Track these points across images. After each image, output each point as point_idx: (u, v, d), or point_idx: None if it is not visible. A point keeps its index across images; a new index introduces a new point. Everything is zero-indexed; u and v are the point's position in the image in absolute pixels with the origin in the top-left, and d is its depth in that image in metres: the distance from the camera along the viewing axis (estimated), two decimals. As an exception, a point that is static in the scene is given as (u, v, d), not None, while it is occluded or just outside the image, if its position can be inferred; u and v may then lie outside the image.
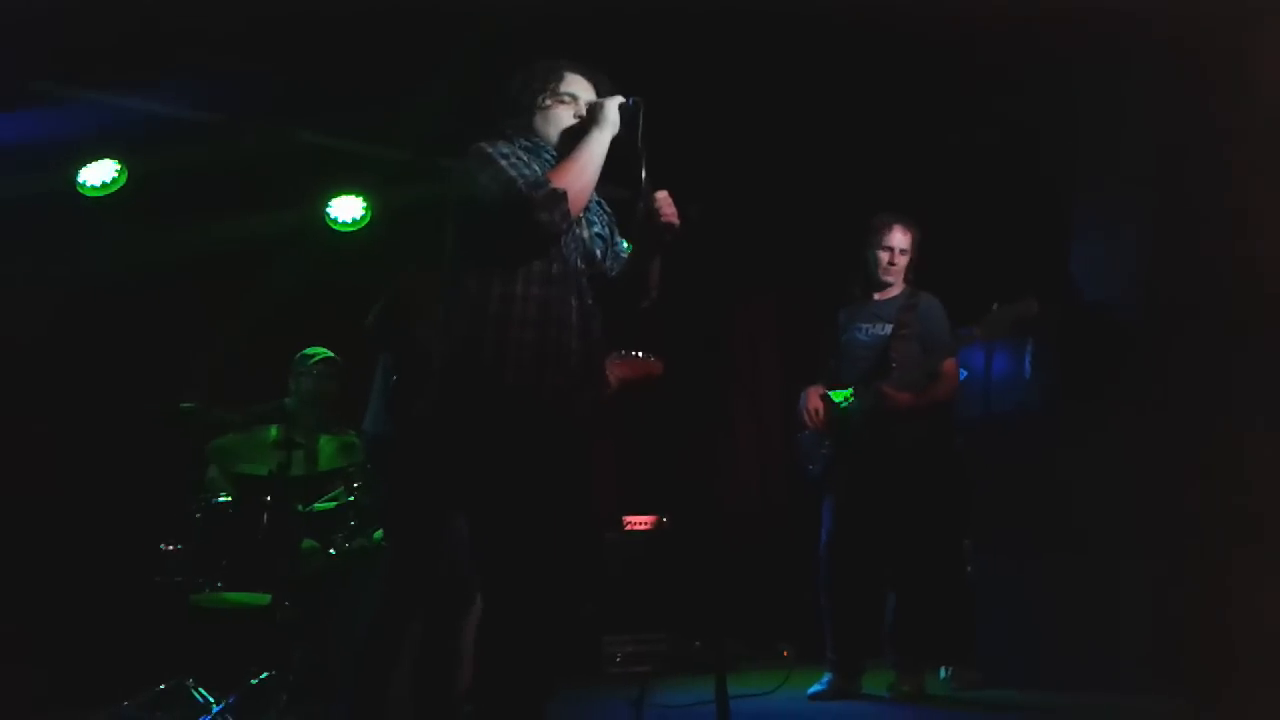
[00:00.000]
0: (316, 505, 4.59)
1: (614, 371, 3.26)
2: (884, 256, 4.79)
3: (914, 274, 4.85)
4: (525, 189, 2.70)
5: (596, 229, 3.00)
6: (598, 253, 2.96)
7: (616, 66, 3.09)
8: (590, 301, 2.88)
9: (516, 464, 2.70)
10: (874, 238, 4.81)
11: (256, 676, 4.12)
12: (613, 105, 2.86)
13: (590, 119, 2.88)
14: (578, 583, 2.90)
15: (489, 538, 2.75)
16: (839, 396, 4.72)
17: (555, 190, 2.71)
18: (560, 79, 2.99)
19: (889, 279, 4.81)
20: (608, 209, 3.09)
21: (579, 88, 3.00)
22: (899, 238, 4.78)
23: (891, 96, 5.73)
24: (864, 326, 4.79)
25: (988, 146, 5.93)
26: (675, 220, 2.87)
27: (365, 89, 5.41)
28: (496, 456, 2.71)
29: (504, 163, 2.76)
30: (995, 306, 4.51)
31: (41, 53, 5.00)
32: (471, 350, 2.75)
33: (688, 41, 5.06)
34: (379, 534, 4.31)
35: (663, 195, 2.87)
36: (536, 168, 2.82)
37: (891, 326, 4.71)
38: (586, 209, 2.95)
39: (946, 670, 4.98)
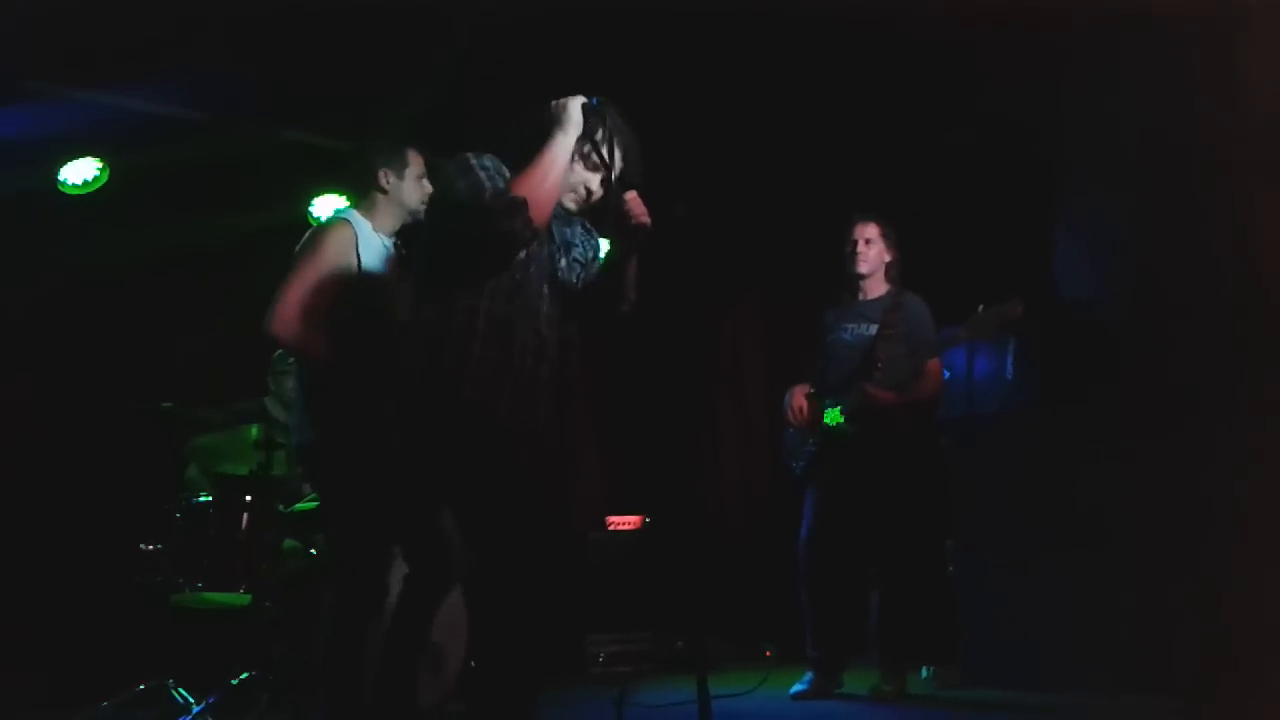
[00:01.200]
0: (297, 505, 4.56)
1: None
2: (849, 250, 4.85)
3: (897, 272, 4.87)
4: (489, 199, 2.67)
5: (576, 253, 2.97)
6: (574, 278, 2.94)
7: (601, 65, 3.09)
8: (559, 322, 2.86)
9: (470, 478, 2.70)
10: (844, 239, 4.88)
11: (237, 677, 4.10)
12: (575, 106, 2.81)
13: (552, 121, 2.80)
14: (543, 594, 2.88)
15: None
16: (830, 418, 4.72)
17: (514, 199, 2.67)
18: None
19: (861, 269, 4.83)
20: (592, 231, 3.06)
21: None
22: (859, 230, 4.85)
23: (877, 96, 5.73)
24: (849, 327, 4.81)
25: (974, 146, 5.94)
26: (646, 221, 2.84)
27: (348, 88, 5.40)
28: (451, 468, 2.72)
29: (481, 174, 2.73)
30: (980, 308, 4.53)
31: (24, 50, 4.97)
32: (433, 361, 2.74)
33: (674, 41, 5.06)
34: None
35: (631, 196, 2.84)
36: None
37: (876, 327, 4.73)
38: (570, 232, 2.93)
39: (928, 670, 4.98)
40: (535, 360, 2.79)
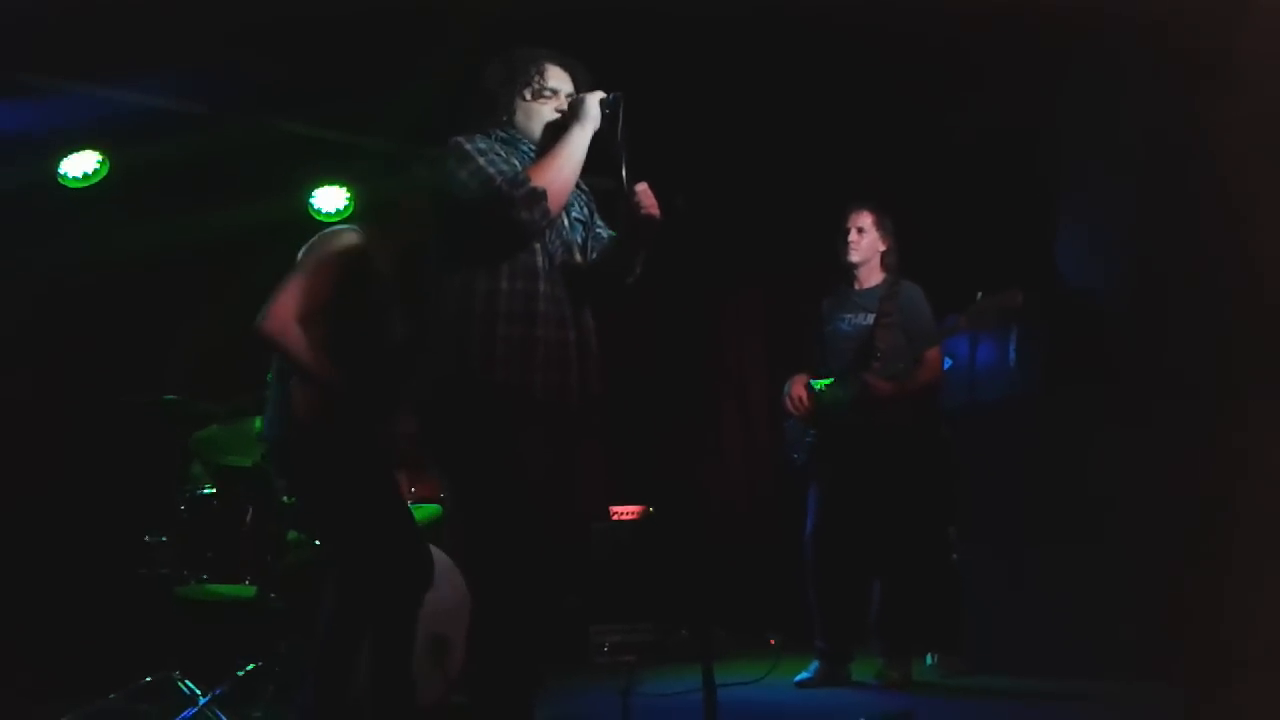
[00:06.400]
0: (302, 497, 4.56)
1: None
2: (842, 240, 4.84)
3: (893, 260, 4.86)
4: (505, 187, 2.69)
5: (575, 214, 2.99)
6: (578, 240, 2.96)
7: (600, 57, 3.08)
8: (579, 292, 2.88)
9: (509, 461, 2.71)
10: (838, 228, 4.88)
11: (243, 668, 4.11)
12: (593, 101, 2.85)
13: (571, 115, 2.86)
14: (565, 575, 2.89)
15: (479, 532, 2.75)
16: (820, 384, 4.74)
17: (535, 189, 2.70)
18: (541, 73, 2.96)
19: (854, 258, 4.83)
20: (585, 188, 3.07)
21: (559, 80, 2.98)
22: (852, 218, 4.85)
23: (877, 88, 5.73)
24: (846, 317, 4.80)
25: (974, 137, 5.93)
26: (656, 213, 2.86)
27: (348, 79, 5.39)
28: (489, 453, 2.71)
29: (482, 160, 2.74)
30: (980, 296, 4.53)
31: (23, 43, 4.96)
32: (461, 348, 2.74)
33: (675, 32, 5.05)
34: None
35: (642, 188, 2.86)
36: (515, 162, 2.81)
37: (874, 316, 4.72)
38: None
39: (933, 657, 5.00)
40: (559, 328, 2.80)
